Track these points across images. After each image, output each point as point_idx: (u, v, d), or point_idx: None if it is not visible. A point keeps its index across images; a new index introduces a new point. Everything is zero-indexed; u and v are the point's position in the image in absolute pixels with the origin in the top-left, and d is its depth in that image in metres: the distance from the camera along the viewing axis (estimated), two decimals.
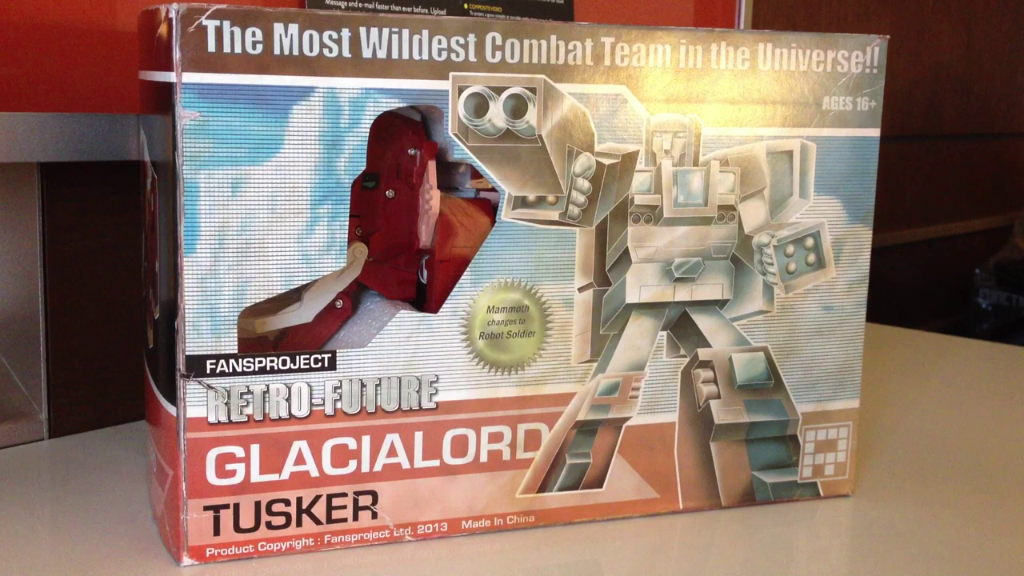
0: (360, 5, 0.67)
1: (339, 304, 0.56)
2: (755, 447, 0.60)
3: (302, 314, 0.55)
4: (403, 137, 0.55)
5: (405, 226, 0.56)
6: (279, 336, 0.55)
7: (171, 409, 0.51)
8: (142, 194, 0.56)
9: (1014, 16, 1.93)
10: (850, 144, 0.59)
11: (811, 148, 0.58)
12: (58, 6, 0.60)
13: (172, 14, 0.47)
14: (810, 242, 0.59)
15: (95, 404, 0.69)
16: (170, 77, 0.48)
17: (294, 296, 0.55)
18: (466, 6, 0.69)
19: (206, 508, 0.51)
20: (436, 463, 0.54)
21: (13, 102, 0.56)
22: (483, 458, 0.55)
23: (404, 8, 0.69)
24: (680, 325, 0.58)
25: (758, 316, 0.59)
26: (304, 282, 0.51)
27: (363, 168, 0.51)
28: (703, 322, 0.58)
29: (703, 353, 0.58)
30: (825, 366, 0.61)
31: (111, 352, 0.69)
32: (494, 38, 0.52)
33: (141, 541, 0.54)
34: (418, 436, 0.54)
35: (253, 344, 0.54)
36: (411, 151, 0.55)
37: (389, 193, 0.55)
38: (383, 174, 0.55)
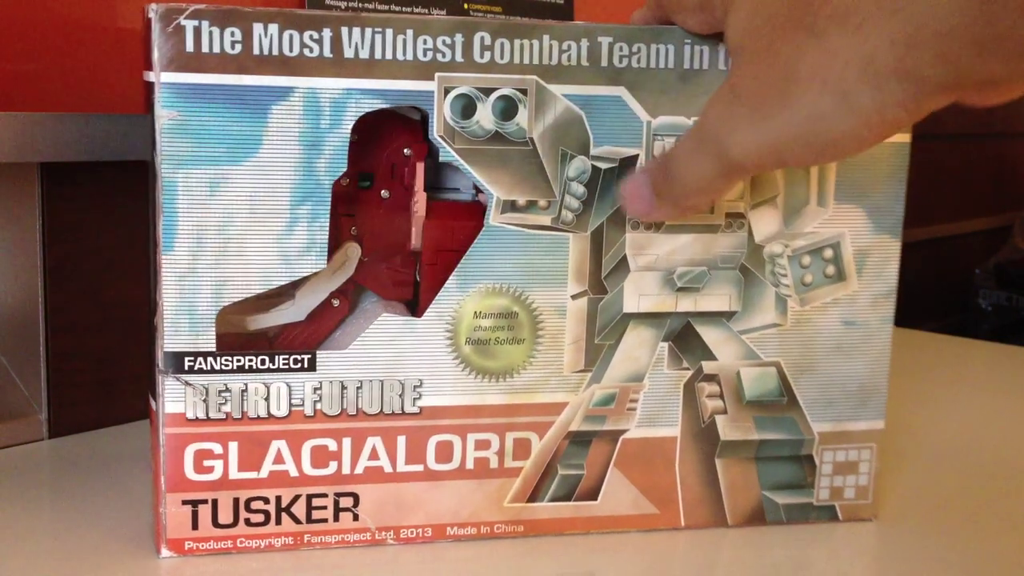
0: (360, 5, 0.66)
1: (336, 303, 0.55)
2: (765, 465, 0.57)
3: (295, 312, 0.55)
4: (399, 137, 0.54)
5: (400, 226, 0.55)
6: (277, 334, 0.55)
7: (152, 404, 0.51)
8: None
9: None
10: (875, 149, 0.55)
11: None
12: (59, 6, 0.61)
13: (151, 14, 0.48)
14: (829, 253, 0.56)
15: (95, 404, 0.70)
16: (151, 77, 0.48)
17: (287, 294, 0.55)
18: (466, 6, 0.68)
19: (184, 502, 0.52)
20: (420, 468, 0.54)
21: (13, 102, 0.58)
22: (469, 465, 0.54)
23: (401, 8, 0.68)
24: (683, 336, 0.55)
25: (770, 329, 0.56)
26: (283, 283, 0.51)
27: (344, 169, 0.50)
28: (708, 334, 0.56)
29: (708, 366, 0.56)
30: (845, 384, 0.58)
31: (111, 352, 0.70)
32: (482, 38, 0.50)
33: (141, 541, 0.55)
34: (401, 440, 0.53)
35: (248, 341, 0.54)
36: (406, 151, 0.54)
37: (384, 193, 0.55)
38: (378, 174, 0.55)
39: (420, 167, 0.54)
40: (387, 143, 0.54)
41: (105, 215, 0.66)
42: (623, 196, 0.52)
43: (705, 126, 0.47)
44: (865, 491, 0.59)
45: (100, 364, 0.69)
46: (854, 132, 0.43)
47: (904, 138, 0.56)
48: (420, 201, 0.54)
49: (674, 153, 0.49)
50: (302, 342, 0.55)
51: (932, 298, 1.77)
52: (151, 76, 0.48)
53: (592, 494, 0.56)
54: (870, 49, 0.41)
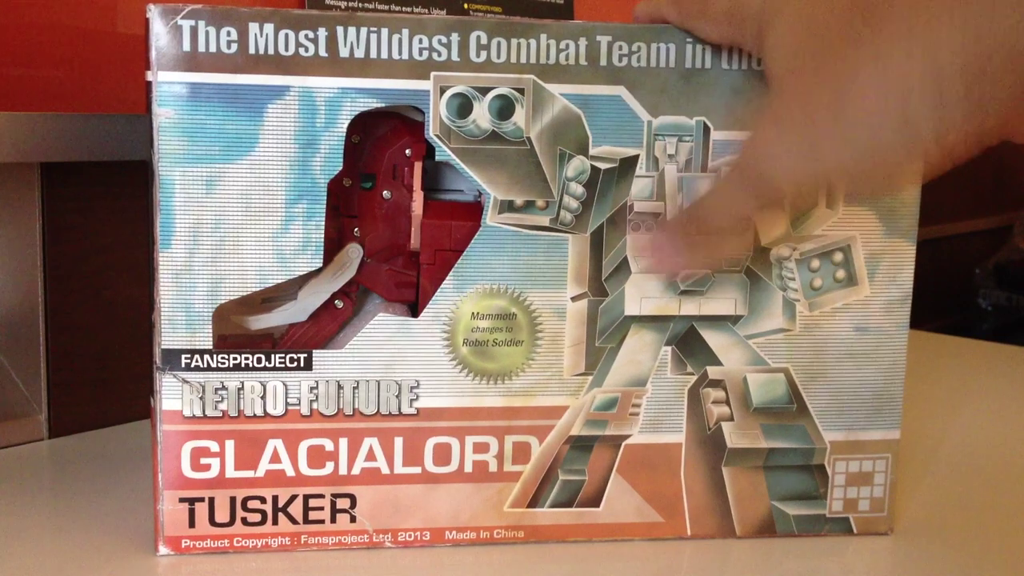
0: (360, 5, 0.66)
1: (339, 304, 0.55)
2: (774, 475, 0.56)
3: (297, 312, 0.55)
4: (400, 138, 0.54)
5: (402, 227, 0.55)
6: (281, 334, 0.56)
7: (151, 401, 0.52)
8: None
9: None
10: None
11: None
12: (61, 7, 0.62)
13: (149, 14, 0.48)
14: (839, 256, 0.55)
15: (95, 404, 0.70)
16: (148, 76, 0.49)
17: (290, 294, 0.55)
18: (466, 6, 0.68)
19: (181, 500, 0.52)
20: (417, 470, 0.53)
21: (13, 102, 0.59)
22: (467, 468, 0.54)
23: (401, 8, 0.68)
24: (687, 341, 0.54)
25: (777, 334, 0.55)
26: (279, 280, 0.51)
27: (339, 168, 0.51)
28: (713, 338, 0.54)
29: (713, 371, 0.55)
30: (858, 392, 0.56)
31: (111, 352, 0.70)
32: (479, 37, 0.50)
33: (139, 540, 0.55)
34: (398, 441, 0.53)
35: (252, 342, 0.54)
36: (407, 152, 0.54)
37: (386, 194, 0.55)
38: (380, 175, 0.55)
39: (418, 166, 0.54)
40: (389, 144, 0.54)
41: (105, 215, 0.67)
42: (647, 253, 0.52)
43: (746, 161, 0.44)
44: (880, 503, 0.57)
45: (100, 364, 0.70)
46: (909, 158, 0.40)
47: None
48: (418, 200, 0.54)
49: (708, 195, 0.47)
50: (305, 343, 0.55)
51: (932, 298, 1.77)
52: (149, 76, 0.49)
53: (594, 500, 0.55)
54: (937, 68, 0.37)
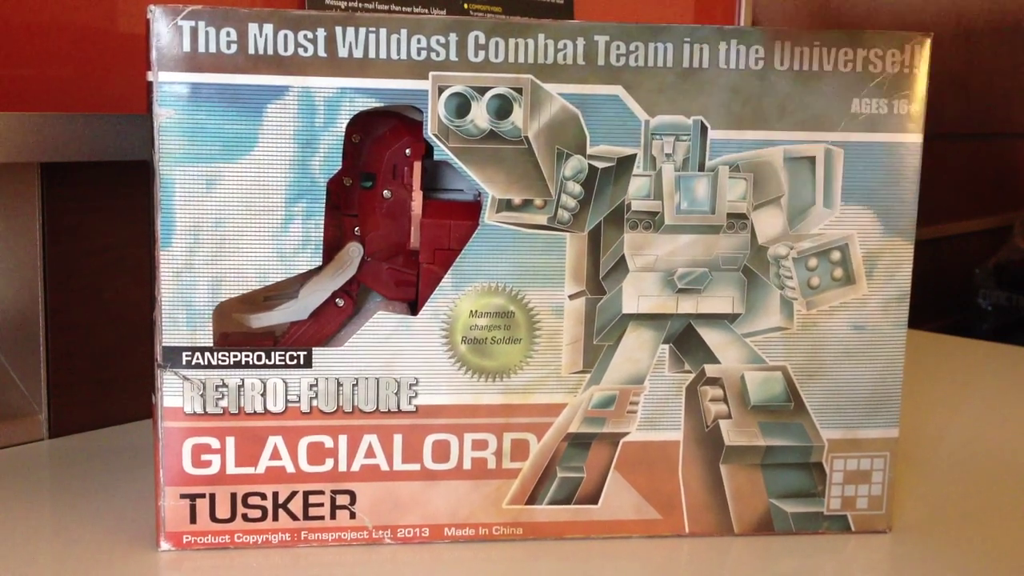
0: (360, 5, 0.67)
1: (340, 303, 0.56)
2: (772, 473, 0.56)
3: (298, 310, 0.55)
4: (400, 137, 0.54)
5: (402, 226, 0.55)
6: (283, 332, 0.56)
7: (152, 398, 0.52)
8: None
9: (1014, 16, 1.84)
10: (885, 150, 0.54)
11: (837, 154, 0.54)
12: (62, 6, 0.62)
13: (150, 14, 0.49)
14: (836, 255, 0.55)
15: (95, 404, 0.71)
16: (150, 76, 0.49)
17: (291, 292, 0.55)
18: (466, 6, 0.68)
19: (182, 496, 0.52)
20: (416, 467, 0.54)
21: (14, 102, 0.59)
22: (466, 465, 0.54)
23: (401, 8, 0.68)
24: (684, 338, 0.55)
25: (775, 333, 0.55)
26: (279, 279, 0.52)
27: (339, 168, 0.51)
28: (710, 336, 0.55)
29: (711, 369, 0.55)
30: (855, 390, 0.56)
31: (111, 352, 0.71)
32: (477, 37, 0.51)
33: (140, 537, 0.55)
34: (397, 438, 0.53)
35: (253, 339, 0.55)
36: (407, 151, 0.54)
37: (386, 193, 0.55)
38: (380, 174, 0.55)
39: (418, 166, 0.54)
40: (389, 144, 0.55)
41: (105, 215, 0.67)
42: None
43: None
44: (879, 501, 0.57)
45: (100, 364, 0.70)
46: None
47: (916, 137, 0.55)
48: (417, 200, 0.54)
49: None
50: (306, 341, 0.55)
51: (932, 298, 1.77)
52: (150, 76, 0.50)
53: (592, 498, 0.55)
54: None
